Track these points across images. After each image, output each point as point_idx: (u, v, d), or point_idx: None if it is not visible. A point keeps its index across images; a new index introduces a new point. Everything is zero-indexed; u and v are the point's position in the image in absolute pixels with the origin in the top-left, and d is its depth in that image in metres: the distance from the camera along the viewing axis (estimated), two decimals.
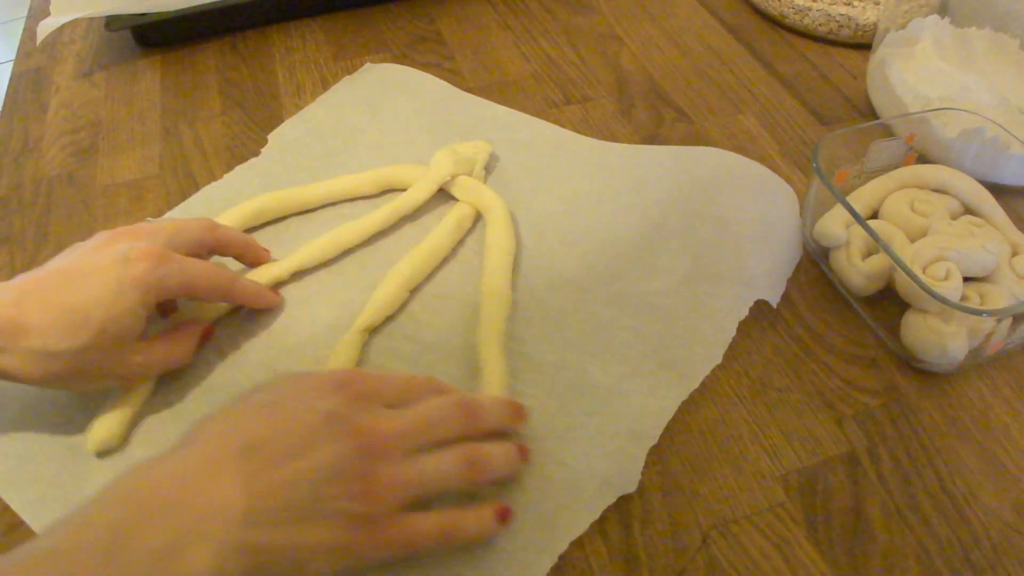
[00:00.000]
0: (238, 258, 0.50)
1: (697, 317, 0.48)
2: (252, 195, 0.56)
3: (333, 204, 0.55)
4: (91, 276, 0.40)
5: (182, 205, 0.56)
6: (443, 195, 0.56)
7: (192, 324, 0.46)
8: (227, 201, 0.55)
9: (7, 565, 0.28)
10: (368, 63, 0.69)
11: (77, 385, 0.41)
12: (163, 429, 0.43)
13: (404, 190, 0.55)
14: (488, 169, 0.58)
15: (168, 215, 0.56)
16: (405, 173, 0.55)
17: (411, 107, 0.64)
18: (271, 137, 0.62)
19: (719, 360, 0.46)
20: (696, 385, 0.45)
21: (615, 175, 0.57)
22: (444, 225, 0.52)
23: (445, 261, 0.52)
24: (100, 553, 0.29)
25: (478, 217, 0.54)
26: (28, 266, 0.53)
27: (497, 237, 0.51)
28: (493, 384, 0.43)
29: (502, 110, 0.63)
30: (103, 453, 0.42)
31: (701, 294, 0.49)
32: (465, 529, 0.37)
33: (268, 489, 0.32)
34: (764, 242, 0.52)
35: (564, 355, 0.46)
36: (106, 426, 0.42)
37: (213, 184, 0.58)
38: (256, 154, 0.60)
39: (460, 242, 0.53)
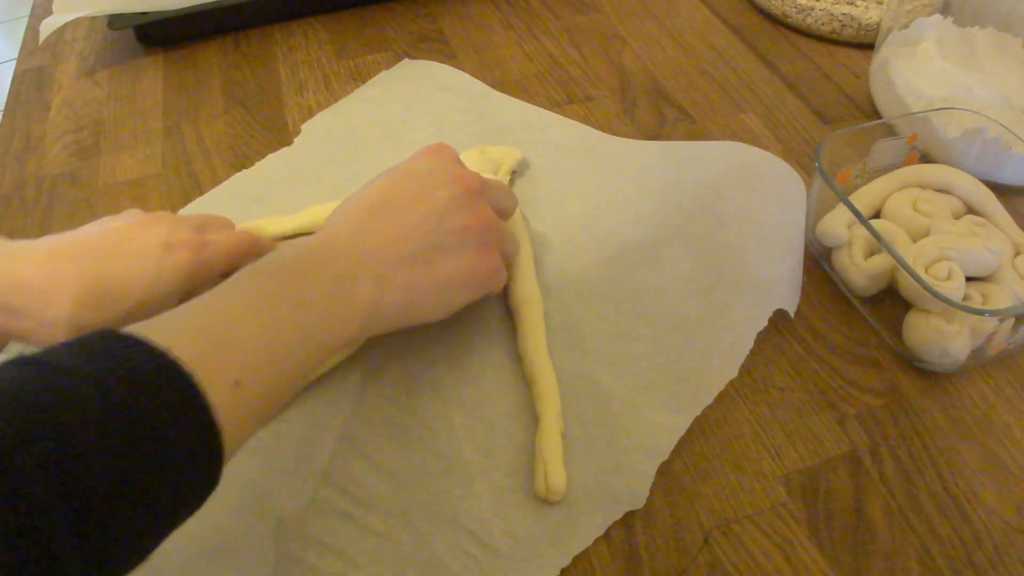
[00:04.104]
0: None
1: (715, 328, 0.47)
2: (283, 183, 0.57)
3: None
4: (131, 252, 0.39)
5: (213, 191, 0.57)
6: None
7: None
8: (258, 190, 0.56)
9: (223, 283, 0.34)
10: (406, 59, 0.69)
11: None
12: None
13: None
14: (519, 172, 0.58)
15: (197, 202, 0.56)
16: None
17: (446, 104, 0.64)
18: (304, 127, 0.62)
19: (734, 375, 0.45)
20: (710, 400, 0.44)
21: (643, 176, 0.57)
22: None
23: None
24: (295, 270, 0.36)
25: None
26: None
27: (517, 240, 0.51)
28: (548, 394, 0.43)
29: (535, 110, 0.63)
30: None
31: (719, 303, 0.48)
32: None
33: (403, 232, 0.39)
34: (784, 248, 0.51)
35: (580, 364, 0.46)
36: None
37: (245, 171, 0.58)
38: (290, 144, 0.61)
39: None
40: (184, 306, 0.32)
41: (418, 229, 0.39)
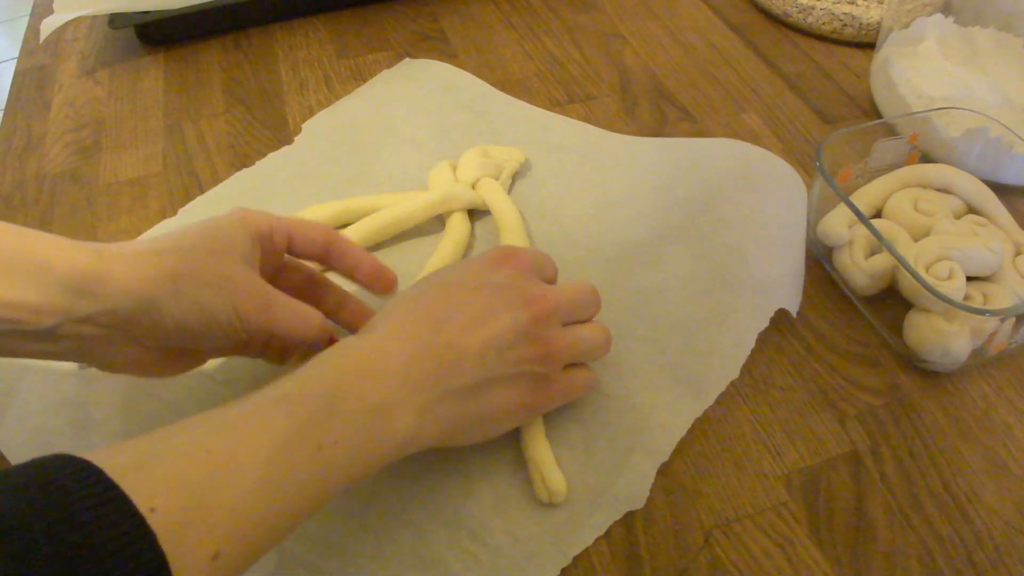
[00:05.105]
0: (348, 274, 0.43)
1: (716, 329, 0.47)
2: (284, 182, 0.56)
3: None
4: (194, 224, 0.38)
5: (214, 190, 0.57)
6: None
7: (334, 295, 0.43)
8: (258, 189, 0.57)
9: (239, 407, 0.31)
10: (407, 58, 0.69)
11: (189, 311, 0.35)
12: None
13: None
14: (520, 174, 0.58)
15: (198, 201, 0.56)
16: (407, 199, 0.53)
17: (447, 103, 0.64)
18: (305, 126, 0.62)
19: (736, 375, 0.45)
20: (711, 402, 0.44)
21: (644, 176, 0.57)
22: (459, 223, 0.52)
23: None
24: (323, 402, 0.32)
25: (489, 219, 0.54)
26: None
27: (514, 243, 0.50)
28: None
29: (537, 111, 0.63)
30: None
31: (720, 304, 0.48)
32: (596, 380, 0.42)
33: (457, 359, 0.35)
34: (785, 248, 0.51)
35: None
36: None
37: (246, 170, 0.58)
38: (291, 143, 0.61)
39: (470, 243, 0.53)
40: (186, 438, 0.29)
41: (474, 358, 0.35)
